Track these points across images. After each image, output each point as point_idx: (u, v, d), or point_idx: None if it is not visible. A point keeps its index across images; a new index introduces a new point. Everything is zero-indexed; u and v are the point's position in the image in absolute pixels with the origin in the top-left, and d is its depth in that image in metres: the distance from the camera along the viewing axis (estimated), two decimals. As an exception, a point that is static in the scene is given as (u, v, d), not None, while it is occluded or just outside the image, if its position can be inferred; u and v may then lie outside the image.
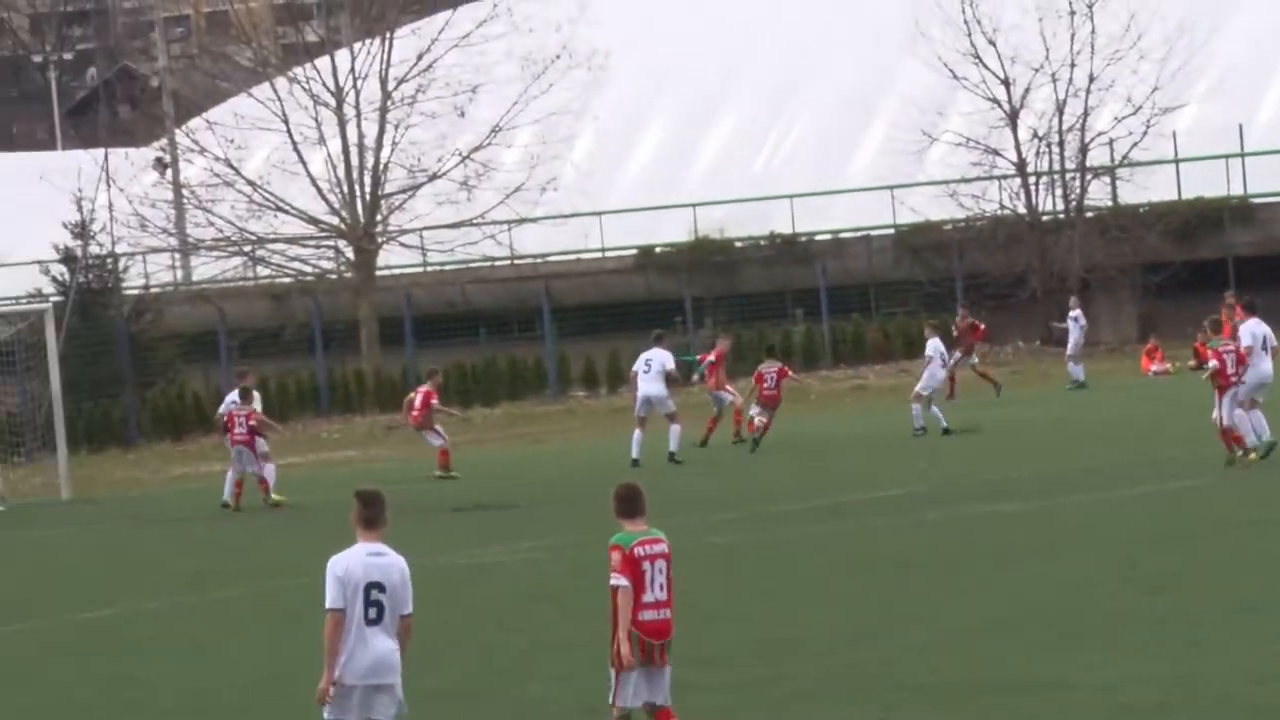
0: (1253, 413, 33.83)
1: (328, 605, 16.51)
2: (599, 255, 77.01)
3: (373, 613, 16.59)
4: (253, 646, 25.99)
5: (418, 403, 45.76)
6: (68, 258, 68.02)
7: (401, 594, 16.68)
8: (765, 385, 43.89)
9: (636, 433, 39.74)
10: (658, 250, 76.35)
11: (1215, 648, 19.34)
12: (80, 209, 67.79)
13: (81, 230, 68.18)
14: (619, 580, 16.77)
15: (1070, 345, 58.75)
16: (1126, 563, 24.62)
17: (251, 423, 41.52)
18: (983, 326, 56.32)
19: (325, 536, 37.29)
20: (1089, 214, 69.14)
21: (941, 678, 18.29)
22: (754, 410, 44.97)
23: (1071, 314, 59.21)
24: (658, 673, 17.20)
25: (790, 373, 46.24)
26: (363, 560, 16.52)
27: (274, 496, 41.46)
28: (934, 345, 46.87)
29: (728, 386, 46.36)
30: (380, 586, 16.59)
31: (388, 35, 69.84)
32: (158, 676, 23.75)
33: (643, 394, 40.68)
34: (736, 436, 44.19)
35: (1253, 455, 32.93)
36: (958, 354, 54.14)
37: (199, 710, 21.30)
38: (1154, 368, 62.10)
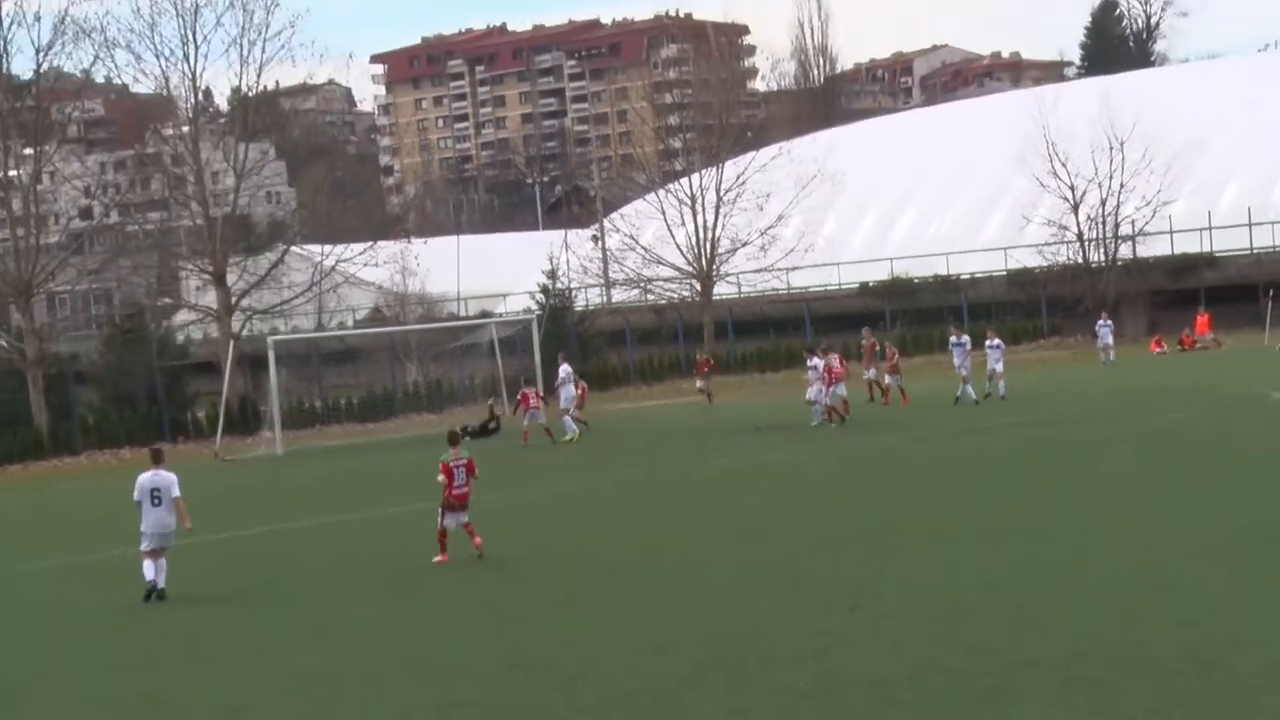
0: None
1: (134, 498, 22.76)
2: (837, 287, 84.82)
3: (155, 499, 22.36)
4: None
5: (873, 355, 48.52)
6: (544, 290, 76.26)
7: (170, 489, 22.31)
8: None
9: None
10: (871, 284, 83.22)
11: None
12: (551, 263, 77.37)
13: (552, 274, 76.96)
14: (441, 478, 22.85)
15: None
16: None
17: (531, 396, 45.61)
18: (712, 361, 59.63)
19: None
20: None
21: None
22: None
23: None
24: (461, 513, 23.31)
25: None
26: (149, 476, 22.72)
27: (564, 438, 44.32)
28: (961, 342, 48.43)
29: None
30: (157, 488, 22.34)
31: (721, 165, 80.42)
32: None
33: None
34: None
35: None
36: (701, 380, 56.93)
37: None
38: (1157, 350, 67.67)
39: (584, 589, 21.30)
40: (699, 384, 58.08)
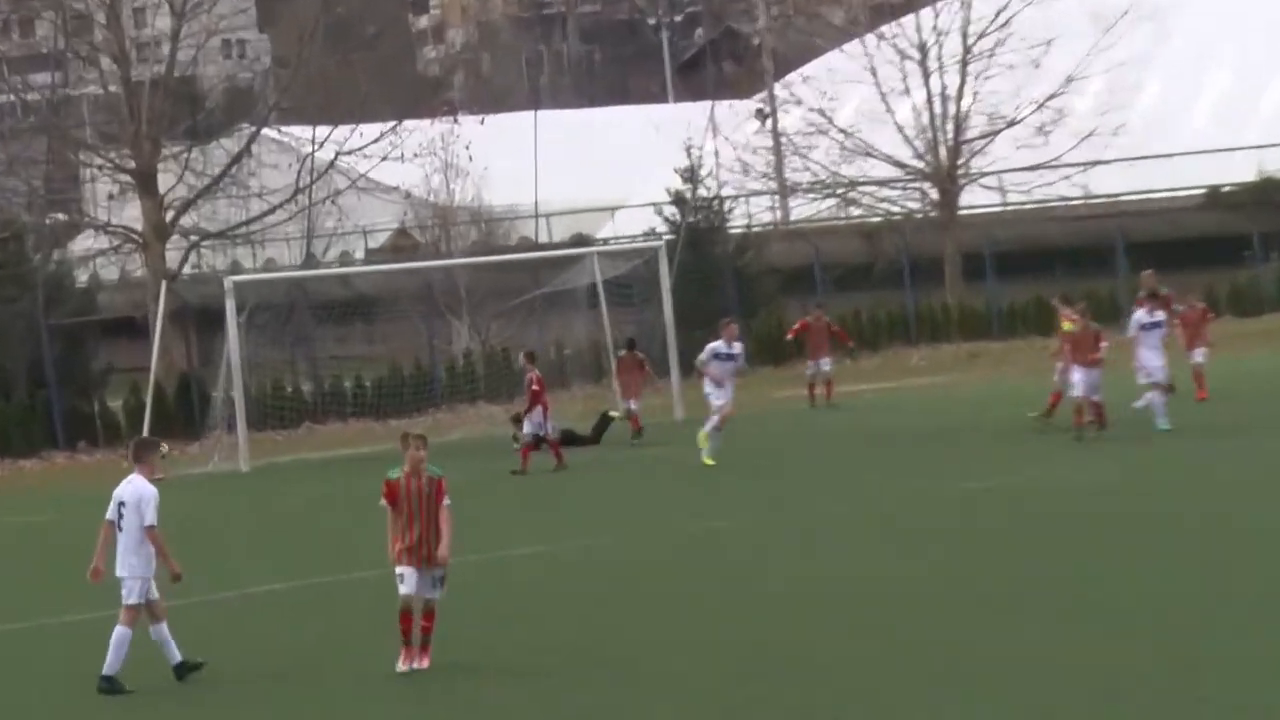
0: None
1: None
2: (1169, 195, 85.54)
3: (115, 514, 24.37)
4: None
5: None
6: (678, 200, 79.38)
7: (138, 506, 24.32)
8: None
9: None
10: (1224, 190, 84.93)
11: None
12: (689, 156, 79.31)
13: (691, 175, 79.52)
14: (384, 505, 24.10)
15: None
16: None
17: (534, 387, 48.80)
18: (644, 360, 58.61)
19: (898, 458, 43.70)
20: None
21: None
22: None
23: None
24: (425, 572, 24.01)
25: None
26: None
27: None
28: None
29: None
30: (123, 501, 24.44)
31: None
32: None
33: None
34: None
35: None
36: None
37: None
38: None
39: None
40: (623, 402, 56.56)
